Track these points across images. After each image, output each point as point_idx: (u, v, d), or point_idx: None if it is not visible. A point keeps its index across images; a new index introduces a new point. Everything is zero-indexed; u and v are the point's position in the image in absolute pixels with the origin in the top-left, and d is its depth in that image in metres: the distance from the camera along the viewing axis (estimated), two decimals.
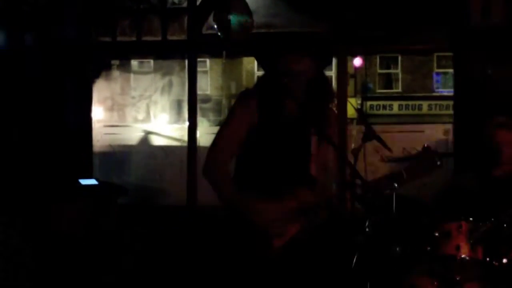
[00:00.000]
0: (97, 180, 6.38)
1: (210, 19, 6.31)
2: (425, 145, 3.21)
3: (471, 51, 5.93)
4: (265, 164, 3.16)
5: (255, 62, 18.12)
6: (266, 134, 3.14)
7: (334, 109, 3.39)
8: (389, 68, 22.32)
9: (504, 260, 3.88)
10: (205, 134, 7.12)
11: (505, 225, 3.94)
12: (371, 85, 22.07)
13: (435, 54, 20.47)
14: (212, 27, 6.14)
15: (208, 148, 3.23)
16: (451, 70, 6.71)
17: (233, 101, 3.38)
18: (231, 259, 3.20)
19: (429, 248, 4.14)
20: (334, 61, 6.73)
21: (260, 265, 3.14)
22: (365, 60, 19.89)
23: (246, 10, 5.78)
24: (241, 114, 3.16)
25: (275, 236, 3.13)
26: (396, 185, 3.18)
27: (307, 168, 3.22)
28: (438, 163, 3.08)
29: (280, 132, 3.15)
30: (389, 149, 4.10)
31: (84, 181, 6.18)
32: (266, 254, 3.13)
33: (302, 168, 3.21)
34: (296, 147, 3.19)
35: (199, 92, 6.96)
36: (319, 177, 3.28)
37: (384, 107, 21.98)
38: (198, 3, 6.76)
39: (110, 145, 7.05)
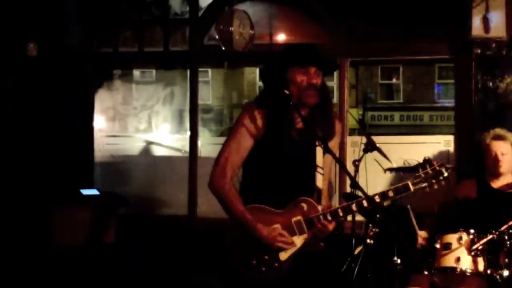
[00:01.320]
0: (98, 190, 6.39)
1: (212, 30, 6.33)
2: (426, 158, 3.22)
3: (472, 62, 5.94)
4: (271, 176, 3.16)
5: (257, 72, 18.16)
6: (273, 146, 3.15)
7: (337, 120, 3.38)
8: (390, 78, 22.35)
9: (505, 273, 3.89)
10: (207, 144, 7.12)
11: (506, 237, 3.94)
12: (372, 96, 22.09)
13: (436, 65, 20.50)
14: (214, 38, 6.16)
15: (214, 160, 3.22)
16: (452, 81, 6.71)
17: (234, 111, 3.38)
18: (232, 271, 3.19)
19: (430, 260, 4.15)
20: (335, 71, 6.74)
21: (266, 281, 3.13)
22: (366, 71, 19.94)
23: (247, 21, 5.79)
24: (247, 125, 3.15)
25: (282, 249, 3.12)
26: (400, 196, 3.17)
27: (313, 179, 3.23)
28: (445, 174, 3.06)
29: (287, 143, 3.16)
30: (389, 160, 4.11)
31: (85, 191, 6.19)
32: (273, 267, 3.12)
33: (308, 179, 3.22)
34: (302, 158, 3.19)
35: (200, 102, 6.97)
36: (325, 187, 3.29)
37: (385, 117, 21.99)
38: (200, 14, 6.79)
39: (112, 155, 7.05)
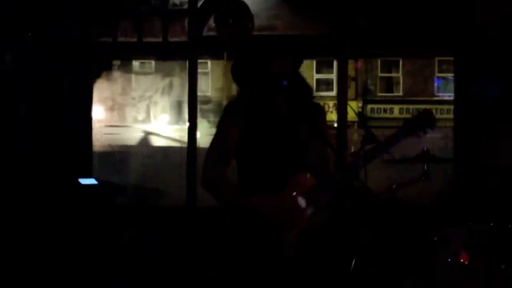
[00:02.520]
0: (96, 179, 6.38)
1: (211, 21, 6.31)
2: (425, 109, 3.24)
3: (472, 55, 5.93)
4: (262, 161, 3.20)
5: None
6: (261, 132, 3.20)
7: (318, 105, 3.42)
8: (390, 71, 22.31)
9: (503, 266, 3.88)
10: (205, 135, 7.11)
11: (505, 231, 3.94)
12: (371, 88, 22.08)
13: (437, 58, 20.45)
14: (213, 29, 6.14)
15: (203, 161, 3.28)
16: (452, 75, 6.70)
17: (228, 103, 3.44)
18: (238, 259, 3.21)
19: (428, 253, 4.15)
20: (335, 63, 6.71)
21: (273, 263, 3.13)
22: (366, 63, 19.91)
23: (246, 13, 5.77)
24: (229, 122, 3.24)
25: (288, 227, 3.14)
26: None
27: (304, 159, 3.25)
28: (435, 119, 3.12)
29: (273, 128, 3.21)
30: (389, 153, 4.10)
31: (83, 181, 6.18)
32: (280, 247, 3.13)
33: (299, 159, 3.24)
34: (289, 140, 3.24)
35: (199, 93, 6.96)
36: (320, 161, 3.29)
37: (385, 110, 21.97)
38: (199, 5, 6.76)
39: (110, 145, 7.05)
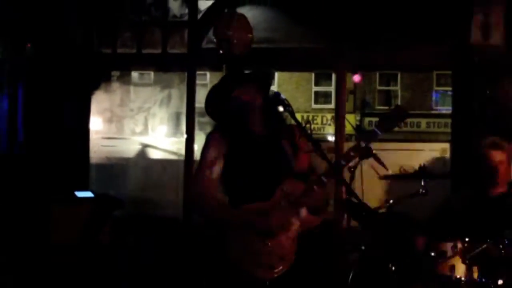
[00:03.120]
0: (93, 192, 6.36)
1: (211, 33, 6.32)
2: (397, 104, 3.39)
3: (470, 69, 5.94)
4: (249, 184, 3.28)
5: None
6: (242, 159, 3.30)
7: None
8: (388, 85, 22.36)
9: (500, 282, 3.86)
10: None
11: (501, 246, 3.92)
12: (370, 101, 22.11)
13: (435, 72, 20.50)
14: (212, 41, 6.15)
15: (191, 185, 3.35)
16: (450, 88, 6.73)
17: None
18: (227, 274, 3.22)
19: (424, 268, 4.13)
20: (333, 76, 6.73)
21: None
22: (364, 77, 19.94)
23: (246, 25, 5.79)
24: (211, 148, 3.34)
25: (282, 229, 3.19)
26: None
27: (290, 173, 3.33)
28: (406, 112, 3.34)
29: (254, 153, 3.31)
30: (386, 167, 4.11)
31: (79, 193, 6.16)
32: (281, 258, 3.19)
33: (285, 174, 3.31)
34: (272, 160, 3.33)
35: (198, 105, 6.96)
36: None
37: None
38: (199, 17, 6.78)
39: (107, 157, 7.03)
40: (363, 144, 3.25)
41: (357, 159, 4.58)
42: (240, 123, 3.32)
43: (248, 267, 3.18)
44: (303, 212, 3.24)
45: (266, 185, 3.25)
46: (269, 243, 3.18)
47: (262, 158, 3.31)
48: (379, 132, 3.28)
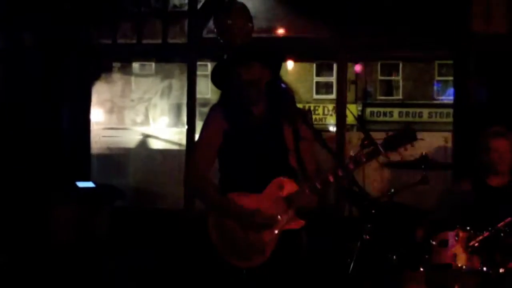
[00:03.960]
0: (94, 182, 6.37)
1: (211, 22, 6.30)
2: (408, 124, 3.29)
3: (471, 58, 5.92)
4: (243, 164, 3.27)
5: None
6: (239, 136, 3.28)
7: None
8: (390, 75, 22.32)
9: (501, 270, 3.86)
10: None
11: (502, 234, 3.92)
12: (371, 91, 22.07)
13: (436, 62, 20.45)
14: (213, 31, 6.13)
15: (188, 161, 3.36)
16: (451, 78, 6.70)
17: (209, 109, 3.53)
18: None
19: (426, 257, 4.13)
20: (334, 67, 6.71)
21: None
22: (366, 67, 19.90)
23: (246, 15, 5.76)
24: (210, 124, 3.35)
25: (267, 226, 3.17)
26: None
27: (285, 161, 3.30)
28: (418, 137, 3.13)
29: (251, 132, 3.28)
30: (388, 157, 4.10)
31: (81, 184, 6.17)
32: (259, 251, 3.17)
33: (280, 161, 3.29)
34: (269, 143, 3.29)
35: (199, 95, 6.95)
36: (308, 167, 3.30)
37: (385, 114, 21.97)
38: (198, 6, 6.76)
39: (109, 148, 7.03)
40: (363, 159, 3.15)
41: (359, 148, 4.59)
42: (239, 101, 3.28)
43: (226, 253, 3.19)
44: (290, 212, 3.20)
45: (258, 170, 3.23)
46: (250, 236, 3.16)
47: (256, 141, 3.28)
48: (382, 150, 3.17)
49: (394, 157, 3.22)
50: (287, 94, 3.34)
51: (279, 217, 3.19)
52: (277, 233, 3.19)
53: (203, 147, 3.34)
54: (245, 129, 3.28)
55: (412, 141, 3.18)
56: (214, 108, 3.40)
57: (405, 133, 3.20)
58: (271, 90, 3.27)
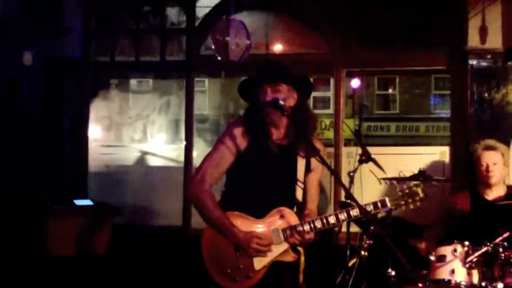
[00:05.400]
0: (92, 200, 6.35)
1: (209, 39, 6.33)
2: (417, 184, 3.30)
3: (468, 72, 5.96)
4: (250, 186, 3.24)
5: None
6: (253, 159, 3.23)
7: (318, 141, 3.39)
8: (387, 89, 22.38)
9: (500, 285, 3.86)
10: (202, 154, 7.07)
11: (500, 249, 3.92)
12: (368, 105, 22.11)
13: (433, 76, 20.52)
14: (210, 48, 6.16)
15: (195, 170, 3.32)
16: (448, 92, 6.74)
17: (231, 121, 3.48)
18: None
19: (424, 272, 4.13)
20: (331, 82, 6.73)
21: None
22: (363, 81, 19.95)
23: (244, 32, 5.79)
24: (228, 141, 3.26)
25: (257, 254, 3.16)
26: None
27: (293, 191, 3.29)
28: (421, 195, 3.13)
29: (266, 157, 3.24)
30: (384, 171, 4.11)
31: (78, 201, 6.15)
32: (247, 276, 3.17)
33: (287, 191, 3.28)
34: (280, 171, 3.26)
35: (197, 112, 6.97)
36: (309, 205, 3.32)
37: (382, 128, 22.00)
38: (196, 24, 6.79)
39: (106, 165, 7.03)
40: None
41: (356, 163, 4.60)
42: (260, 119, 3.22)
43: (215, 273, 3.18)
44: (285, 244, 3.20)
45: (263, 196, 3.21)
46: (240, 260, 3.15)
47: (269, 168, 3.24)
48: (388, 206, 3.21)
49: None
50: (309, 123, 3.30)
51: (273, 247, 3.18)
52: (268, 263, 3.18)
53: (214, 163, 3.27)
54: (261, 153, 3.23)
55: (418, 202, 3.24)
56: (236, 124, 3.32)
57: (411, 192, 3.24)
58: (295, 115, 3.20)
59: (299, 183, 3.29)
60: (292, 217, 3.21)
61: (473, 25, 5.93)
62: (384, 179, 4.51)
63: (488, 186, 4.52)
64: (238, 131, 3.25)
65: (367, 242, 4.23)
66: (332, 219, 3.16)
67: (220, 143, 3.27)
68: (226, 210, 3.23)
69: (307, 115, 3.30)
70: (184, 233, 6.48)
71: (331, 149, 6.31)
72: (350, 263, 4.30)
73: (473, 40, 5.94)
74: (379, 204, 3.19)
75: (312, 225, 3.16)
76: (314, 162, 3.30)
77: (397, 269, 4.17)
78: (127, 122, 8.88)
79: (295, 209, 3.30)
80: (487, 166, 4.48)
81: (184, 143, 6.72)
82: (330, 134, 7.05)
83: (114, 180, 6.94)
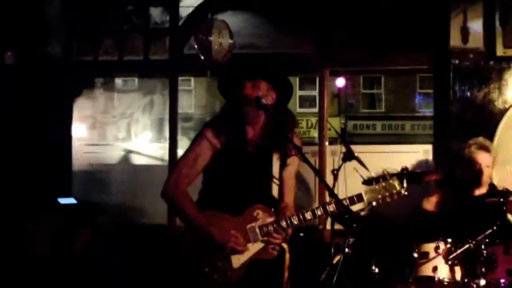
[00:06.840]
0: (75, 198, 6.33)
1: (192, 39, 6.33)
2: (403, 167, 3.33)
3: (450, 72, 6.00)
4: (226, 185, 3.26)
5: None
6: (229, 158, 3.25)
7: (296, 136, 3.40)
8: (372, 88, 22.49)
9: (482, 282, 3.90)
10: None
11: (482, 246, 3.96)
12: (354, 104, 22.19)
13: (418, 75, 20.66)
14: (194, 48, 6.16)
15: (171, 169, 3.34)
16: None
17: (207, 121, 3.49)
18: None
19: (407, 269, 4.16)
20: (317, 80, 6.77)
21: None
22: (348, 80, 20.02)
23: (227, 31, 5.80)
24: (204, 141, 3.28)
25: (234, 253, 3.17)
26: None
27: (267, 189, 3.31)
28: (403, 192, 3.16)
29: (242, 156, 3.25)
30: (368, 169, 4.14)
31: (62, 200, 6.13)
32: (225, 275, 3.18)
33: (262, 189, 3.30)
34: (256, 169, 3.28)
35: (182, 111, 6.96)
36: (286, 198, 3.33)
37: (368, 126, 22.10)
38: (180, 23, 6.79)
39: (90, 164, 7.00)
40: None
41: (340, 161, 4.61)
42: (237, 116, 3.23)
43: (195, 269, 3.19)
44: (262, 243, 3.22)
45: (239, 194, 3.23)
46: (218, 259, 3.16)
47: (243, 166, 3.26)
48: (364, 199, 3.30)
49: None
50: (288, 123, 3.30)
51: (250, 245, 3.19)
52: (247, 261, 3.19)
53: (188, 164, 3.28)
54: (236, 153, 3.25)
55: (394, 194, 3.30)
56: (208, 125, 3.35)
57: (389, 186, 3.32)
58: (273, 114, 3.21)
59: (275, 180, 3.30)
60: (269, 215, 3.22)
61: (455, 25, 5.97)
62: (366, 180, 4.53)
63: (477, 184, 4.56)
64: (213, 131, 3.27)
65: (351, 239, 4.25)
66: (308, 215, 3.19)
67: (196, 143, 3.29)
68: (203, 209, 3.24)
69: (286, 115, 3.31)
70: (169, 231, 6.47)
71: (316, 148, 6.32)
72: (335, 260, 4.32)
73: (455, 40, 5.98)
74: (355, 198, 3.24)
75: (289, 221, 3.18)
76: (291, 157, 3.30)
77: (381, 267, 4.20)
78: (111, 121, 8.85)
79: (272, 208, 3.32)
80: (480, 167, 4.51)
81: (168, 141, 6.71)
82: (316, 132, 7.07)
83: (98, 178, 6.92)
